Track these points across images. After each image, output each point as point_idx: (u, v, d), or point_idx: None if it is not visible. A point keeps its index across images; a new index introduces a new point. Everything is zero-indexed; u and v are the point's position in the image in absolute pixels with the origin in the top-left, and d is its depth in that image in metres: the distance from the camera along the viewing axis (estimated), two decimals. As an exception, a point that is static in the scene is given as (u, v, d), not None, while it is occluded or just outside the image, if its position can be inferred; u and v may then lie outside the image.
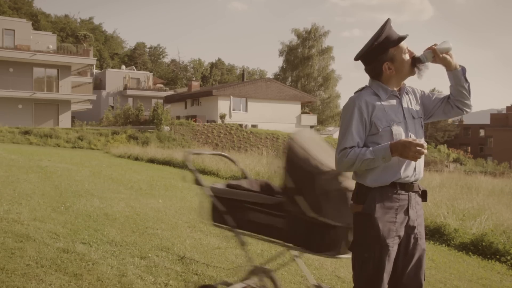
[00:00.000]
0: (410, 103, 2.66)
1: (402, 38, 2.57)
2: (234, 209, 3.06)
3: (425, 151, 2.35)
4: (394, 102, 2.59)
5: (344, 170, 2.56)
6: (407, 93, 2.68)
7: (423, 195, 2.64)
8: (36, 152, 19.22)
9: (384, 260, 2.45)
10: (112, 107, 46.16)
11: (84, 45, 44.10)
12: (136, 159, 19.70)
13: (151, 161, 18.90)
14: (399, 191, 2.52)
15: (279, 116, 43.66)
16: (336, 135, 51.23)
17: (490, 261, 6.55)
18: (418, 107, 2.69)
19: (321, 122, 57.86)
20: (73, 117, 39.58)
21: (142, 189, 9.83)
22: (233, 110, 42.28)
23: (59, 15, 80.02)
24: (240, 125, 38.61)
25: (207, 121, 40.08)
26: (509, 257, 6.45)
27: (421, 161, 2.56)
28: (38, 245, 4.91)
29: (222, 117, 39.57)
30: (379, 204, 2.48)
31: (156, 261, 4.69)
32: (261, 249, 5.54)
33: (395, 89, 2.63)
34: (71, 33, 69.66)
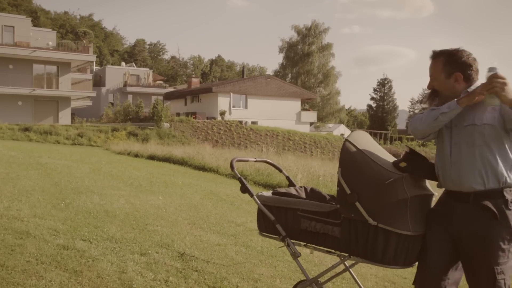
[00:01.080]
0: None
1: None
2: (285, 217, 2.89)
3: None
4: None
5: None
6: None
7: None
8: (36, 149, 19.22)
9: None
10: (112, 104, 46.12)
11: (84, 41, 43.98)
12: (136, 156, 19.70)
13: (151, 157, 18.90)
14: None
15: (279, 113, 43.65)
16: (336, 132, 51.24)
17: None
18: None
19: (321, 118, 57.88)
20: (73, 114, 39.57)
21: (142, 186, 9.83)
22: (233, 107, 42.27)
23: (58, 11, 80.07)
24: (240, 122, 38.61)
25: (207, 118, 40.07)
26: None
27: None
28: (38, 241, 4.91)
29: (222, 114, 39.56)
30: None
31: (156, 257, 4.69)
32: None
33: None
34: (71, 30, 69.64)
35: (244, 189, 3.04)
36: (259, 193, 3.11)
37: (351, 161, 2.64)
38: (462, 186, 2.49)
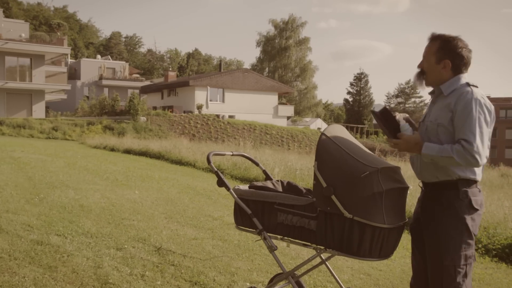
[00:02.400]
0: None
1: None
2: (262, 211, 2.89)
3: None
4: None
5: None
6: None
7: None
8: (9, 143, 18.86)
9: None
10: (87, 97, 45.46)
11: (58, 34, 43.14)
12: (112, 150, 19.50)
13: (127, 151, 18.73)
14: None
15: (256, 107, 43.66)
16: (313, 126, 51.51)
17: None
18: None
19: (298, 112, 58.08)
20: (47, 107, 38.89)
21: (118, 180, 9.74)
22: (210, 100, 42.10)
23: (31, 2, 78.50)
24: (217, 116, 38.50)
25: (184, 112, 39.83)
26: (480, 245, 6.59)
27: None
28: (11, 237, 4.83)
29: (199, 107, 39.37)
30: None
31: (132, 252, 4.66)
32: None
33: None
34: (44, 22, 68.21)
35: (221, 183, 3.04)
36: (236, 187, 3.11)
37: (327, 155, 2.66)
38: (422, 177, 2.75)
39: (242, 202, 2.96)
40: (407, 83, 72.59)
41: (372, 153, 2.87)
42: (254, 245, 5.31)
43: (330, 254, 2.97)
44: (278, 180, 3.33)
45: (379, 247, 2.55)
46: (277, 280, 3.10)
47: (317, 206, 2.64)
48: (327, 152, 2.67)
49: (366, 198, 2.50)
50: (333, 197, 2.55)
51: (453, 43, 2.65)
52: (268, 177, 3.45)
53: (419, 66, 2.77)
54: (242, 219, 3.00)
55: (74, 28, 75.32)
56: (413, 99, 72.31)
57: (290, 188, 3.21)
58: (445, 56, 2.66)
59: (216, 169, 3.05)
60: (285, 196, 2.87)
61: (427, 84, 2.74)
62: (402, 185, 2.69)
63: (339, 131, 2.88)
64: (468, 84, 2.62)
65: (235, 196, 3.00)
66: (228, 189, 3.01)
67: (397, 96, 73.17)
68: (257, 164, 3.58)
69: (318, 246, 2.72)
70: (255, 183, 3.21)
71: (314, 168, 2.66)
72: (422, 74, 2.76)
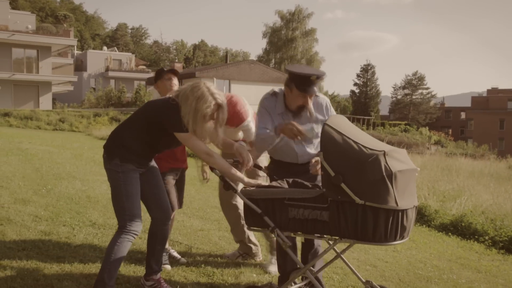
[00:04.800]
0: None
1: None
2: (273, 209, 2.85)
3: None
4: None
5: None
6: None
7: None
8: (16, 134, 18.95)
9: None
10: (94, 88, 45.56)
11: (65, 25, 43.27)
12: (119, 141, 19.49)
13: (134, 143, 18.74)
14: None
15: (262, 99, 43.56)
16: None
17: (469, 241, 6.69)
18: None
19: (304, 104, 57.87)
20: (54, 99, 38.98)
21: (125, 172, 9.75)
22: (217, 92, 42.03)
23: (38, -6, 78.24)
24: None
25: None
26: (487, 237, 6.59)
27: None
28: (19, 228, 4.87)
29: (205, 99, 39.29)
30: None
31: (139, 243, 4.68)
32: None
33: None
34: (51, 13, 68.21)
35: (228, 186, 3.02)
36: (243, 188, 3.09)
37: (333, 144, 2.66)
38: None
39: (252, 202, 2.93)
40: (414, 74, 72.13)
41: (375, 138, 2.87)
42: (260, 237, 5.31)
43: (344, 247, 3.00)
44: (283, 180, 3.31)
45: (394, 231, 2.54)
46: (293, 276, 3.08)
47: (328, 196, 2.62)
48: (331, 142, 2.66)
49: (376, 182, 2.49)
50: (342, 185, 2.53)
51: None
52: (273, 178, 3.44)
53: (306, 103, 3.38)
54: (253, 219, 2.96)
55: (80, 19, 75.33)
56: (420, 91, 71.88)
57: (296, 185, 3.19)
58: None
59: (220, 174, 3.05)
60: (295, 190, 2.86)
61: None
62: (410, 167, 2.69)
63: (341, 120, 2.89)
64: None
65: (244, 198, 2.96)
66: (235, 191, 2.99)
67: (404, 88, 72.75)
68: (260, 168, 3.58)
69: (333, 237, 2.71)
70: (261, 183, 3.19)
71: (320, 158, 2.64)
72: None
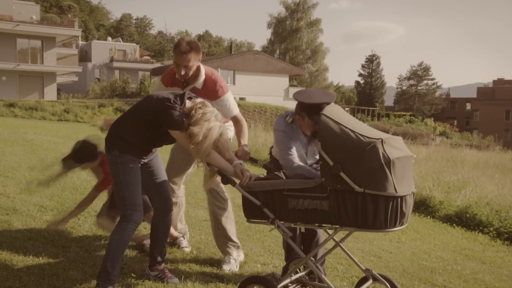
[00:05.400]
0: None
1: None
2: (272, 200, 2.86)
3: None
4: None
5: None
6: None
7: None
8: (22, 124, 19.01)
9: None
10: (99, 79, 45.58)
11: (69, 15, 43.19)
12: (123, 132, 19.53)
13: (139, 134, 18.77)
14: None
15: (267, 89, 43.47)
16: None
17: (473, 232, 6.69)
18: None
19: (309, 95, 57.69)
20: (58, 90, 39.04)
21: (130, 162, 9.77)
22: (221, 82, 41.98)
23: (42, -16, 78.15)
24: (228, 98, 38.37)
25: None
26: (491, 228, 6.59)
27: None
28: (25, 218, 4.89)
29: (210, 90, 39.25)
30: None
31: (144, 233, 4.69)
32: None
33: None
34: (55, 3, 68.07)
35: (226, 180, 3.04)
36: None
37: (330, 134, 2.67)
38: None
39: (251, 195, 2.93)
40: (420, 65, 71.75)
41: (371, 127, 2.89)
42: (264, 227, 5.32)
43: (344, 236, 3.01)
44: (280, 171, 3.32)
45: (394, 217, 2.56)
46: (294, 266, 3.08)
47: (327, 186, 2.64)
48: (329, 131, 2.68)
49: (374, 170, 2.52)
50: (341, 173, 2.56)
51: None
52: (270, 170, 3.44)
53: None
54: (252, 211, 2.97)
55: (84, 10, 75.21)
56: (425, 82, 71.55)
57: (293, 176, 3.19)
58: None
59: (217, 168, 3.06)
60: (294, 181, 2.87)
61: None
62: (407, 154, 2.71)
63: (337, 110, 2.91)
64: None
65: (243, 191, 2.97)
66: (234, 185, 3.01)
67: (409, 79, 72.45)
68: (256, 161, 3.59)
69: (334, 226, 2.71)
70: (259, 175, 3.20)
71: (318, 148, 2.66)
72: None
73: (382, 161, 2.51)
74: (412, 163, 2.80)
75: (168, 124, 3.06)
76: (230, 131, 4.11)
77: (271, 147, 3.88)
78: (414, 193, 2.74)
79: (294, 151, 3.29)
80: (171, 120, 3.03)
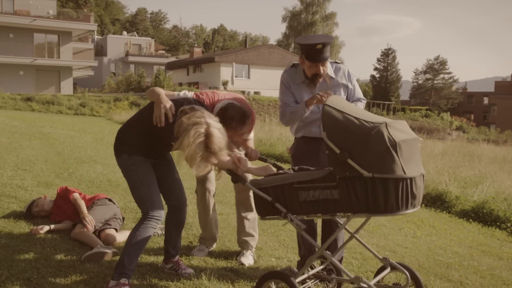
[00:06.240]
0: None
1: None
2: (283, 194, 2.87)
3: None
4: None
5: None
6: None
7: None
8: (39, 118, 19.23)
9: None
10: (114, 73, 45.89)
11: (85, 10, 43.52)
12: (139, 126, 19.63)
13: (154, 128, 18.85)
14: None
15: (281, 83, 43.33)
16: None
17: (490, 228, 6.61)
18: None
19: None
20: (74, 84, 39.41)
21: (145, 156, 9.83)
22: (236, 77, 42.01)
23: (58, -21, 78.68)
24: (243, 92, 38.45)
25: (209, 88, 39.89)
26: (509, 224, 6.51)
27: None
28: (42, 210, 4.94)
29: (225, 84, 39.36)
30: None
31: (159, 226, 4.72)
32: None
33: None
34: (71, -2, 68.63)
35: (236, 179, 3.07)
36: (252, 179, 3.10)
37: (334, 122, 2.68)
38: None
39: (261, 191, 2.94)
40: (436, 58, 70.99)
41: (374, 114, 2.89)
42: (279, 222, 5.32)
43: (358, 227, 3.01)
44: (289, 169, 3.31)
45: (405, 199, 2.56)
46: (310, 259, 3.08)
47: (336, 174, 2.64)
48: (332, 120, 2.69)
49: (381, 154, 2.52)
50: (349, 160, 2.55)
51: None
52: (279, 168, 3.42)
53: (319, 72, 3.46)
54: (265, 208, 2.97)
55: (100, 4, 75.69)
56: (442, 75, 70.79)
57: (301, 171, 3.18)
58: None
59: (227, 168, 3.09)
60: (302, 173, 2.88)
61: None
62: (412, 137, 2.71)
63: (340, 100, 2.95)
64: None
65: (253, 188, 2.98)
66: (244, 183, 3.02)
67: (425, 73, 71.73)
68: (265, 160, 3.55)
69: (346, 214, 2.71)
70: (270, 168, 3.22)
71: (324, 138, 2.66)
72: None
73: (388, 144, 2.51)
74: (419, 146, 2.79)
75: (162, 132, 3.07)
76: None
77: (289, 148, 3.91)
78: (423, 175, 2.72)
79: (291, 102, 3.60)
80: (162, 130, 3.04)
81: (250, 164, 3.20)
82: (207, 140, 2.85)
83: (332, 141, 2.63)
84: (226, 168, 3.08)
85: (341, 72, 3.68)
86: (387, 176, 2.50)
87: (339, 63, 3.70)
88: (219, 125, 2.94)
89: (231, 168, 3.07)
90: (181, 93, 3.62)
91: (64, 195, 4.63)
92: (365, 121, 2.63)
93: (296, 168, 3.28)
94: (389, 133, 2.54)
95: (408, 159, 2.58)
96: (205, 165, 3.02)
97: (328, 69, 3.57)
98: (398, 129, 2.64)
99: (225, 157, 3.02)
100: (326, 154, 2.67)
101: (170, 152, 3.46)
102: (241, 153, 3.14)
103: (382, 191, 2.52)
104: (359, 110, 2.89)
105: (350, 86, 3.68)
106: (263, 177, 3.09)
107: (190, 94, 3.59)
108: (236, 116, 3.34)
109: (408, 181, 2.55)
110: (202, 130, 2.84)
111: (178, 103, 3.11)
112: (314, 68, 3.46)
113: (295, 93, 3.61)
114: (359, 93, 3.75)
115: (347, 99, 3.62)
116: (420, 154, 2.80)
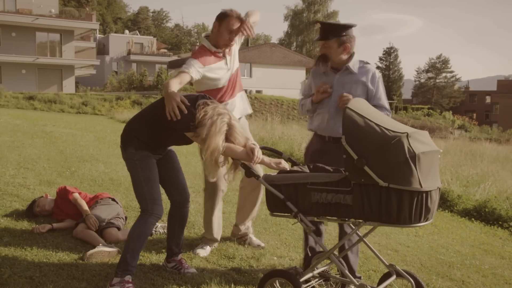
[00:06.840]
0: None
1: None
2: (295, 194, 2.84)
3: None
4: None
5: None
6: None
7: None
8: (41, 117, 19.26)
9: None
10: (116, 72, 45.89)
11: (87, 9, 43.54)
12: (141, 124, 19.63)
13: (156, 126, 18.84)
14: None
15: (283, 82, 43.37)
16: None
17: (492, 227, 6.60)
18: None
19: (326, 88, 57.44)
20: (77, 83, 39.42)
21: (147, 155, 9.83)
22: (238, 75, 41.94)
23: (60, -22, 78.72)
24: (245, 91, 38.37)
25: (211, 87, 39.75)
26: (511, 223, 6.50)
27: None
28: (44, 209, 4.95)
29: (226, 82, 39.25)
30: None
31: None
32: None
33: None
34: (73, -3, 68.66)
35: (250, 173, 3.01)
36: (266, 174, 3.07)
37: (355, 127, 2.64)
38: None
39: (274, 188, 2.91)
40: (438, 57, 70.86)
41: (397, 121, 2.85)
42: (281, 220, 5.33)
43: (367, 231, 2.98)
44: (304, 165, 3.28)
45: (418, 212, 2.52)
46: (316, 260, 3.07)
47: (351, 180, 2.61)
48: (353, 125, 2.64)
49: (399, 164, 2.48)
50: (365, 168, 2.52)
51: (350, 30, 3.54)
52: (294, 163, 3.40)
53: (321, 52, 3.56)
54: (276, 205, 2.94)
55: (102, 3, 75.68)
56: (444, 74, 70.66)
57: (317, 169, 3.16)
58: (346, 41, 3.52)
59: (242, 161, 3.05)
60: (317, 174, 2.83)
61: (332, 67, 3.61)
62: (433, 148, 2.66)
63: (363, 104, 2.88)
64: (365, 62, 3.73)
65: (266, 184, 2.94)
66: (257, 178, 2.98)
67: (427, 71, 71.63)
68: (280, 154, 3.51)
69: (357, 220, 2.70)
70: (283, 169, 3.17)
71: (342, 142, 2.62)
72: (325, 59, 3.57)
73: (407, 156, 2.47)
74: (439, 158, 2.75)
75: (176, 125, 3.07)
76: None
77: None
78: (440, 189, 2.69)
79: (306, 94, 3.83)
80: (177, 122, 3.04)
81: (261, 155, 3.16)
82: (230, 130, 2.99)
83: (351, 146, 2.59)
84: (241, 159, 3.05)
85: (365, 71, 3.70)
86: (403, 188, 2.47)
87: (369, 63, 3.77)
88: (237, 119, 3.15)
89: (245, 160, 3.05)
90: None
91: (63, 195, 4.63)
92: (386, 129, 2.58)
93: (312, 166, 3.24)
94: (410, 144, 2.49)
95: (427, 172, 2.54)
96: (222, 158, 3.08)
97: (352, 63, 3.63)
98: (420, 140, 2.59)
99: (240, 148, 3.05)
100: (344, 159, 2.63)
101: (182, 146, 3.50)
102: (255, 143, 3.09)
103: (396, 202, 2.50)
104: (382, 116, 2.84)
105: (370, 87, 3.63)
106: (275, 172, 3.07)
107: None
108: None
109: (424, 194, 2.51)
110: (226, 120, 2.98)
111: (193, 96, 3.16)
112: (322, 49, 3.62)
113: (318, 82, 3.70)
114: (383, 100, 3.68)
115: (367, 99, 3.52)
116: (438, 166, 2.76)
